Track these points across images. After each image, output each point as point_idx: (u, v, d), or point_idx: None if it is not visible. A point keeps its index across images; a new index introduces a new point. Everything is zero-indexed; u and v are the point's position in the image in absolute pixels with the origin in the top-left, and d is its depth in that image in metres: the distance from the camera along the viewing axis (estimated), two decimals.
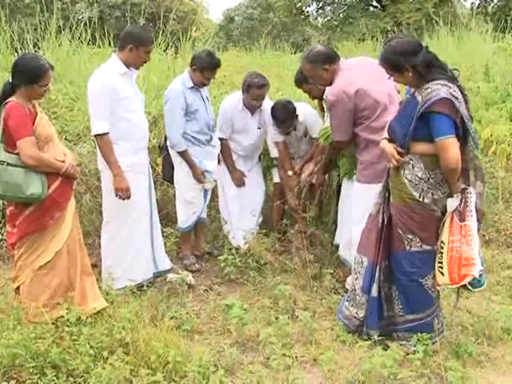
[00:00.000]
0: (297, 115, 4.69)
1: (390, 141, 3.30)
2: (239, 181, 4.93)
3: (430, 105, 3.01)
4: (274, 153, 4.94)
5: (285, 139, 4.83)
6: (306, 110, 4.83)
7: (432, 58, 3.13)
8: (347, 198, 4.21)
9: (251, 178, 5.01)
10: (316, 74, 3.88)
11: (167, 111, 4.49)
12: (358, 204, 3.90)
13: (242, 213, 4.93)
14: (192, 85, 4.47)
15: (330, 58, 3.84)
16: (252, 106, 4.72)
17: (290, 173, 4.73)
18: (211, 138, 4.69)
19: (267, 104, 4.78)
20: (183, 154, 4.49)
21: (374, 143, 3.59)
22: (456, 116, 3.03)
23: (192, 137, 4.51)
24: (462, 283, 3.07)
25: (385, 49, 3.25)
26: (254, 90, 4.60)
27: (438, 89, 3.02)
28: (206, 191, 4.75)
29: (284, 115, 4.64)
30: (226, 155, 4.88)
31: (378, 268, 3.36)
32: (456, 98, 3.02)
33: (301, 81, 4.54)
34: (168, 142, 4.62)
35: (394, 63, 3.17)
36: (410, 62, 3.10)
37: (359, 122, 3.78)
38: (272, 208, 5.09)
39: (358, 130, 3.83)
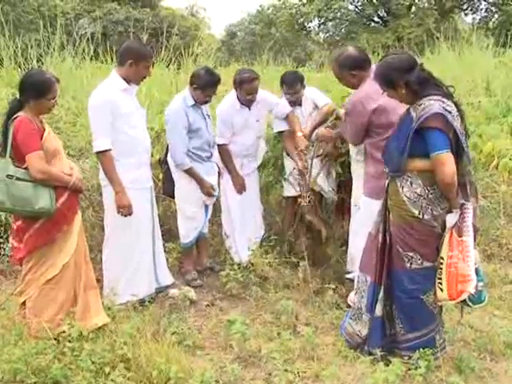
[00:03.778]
0: (304, 85, 4.86)
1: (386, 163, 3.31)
2: (241, 186, 4.89)
3: (423, 120, 3.03)
4: (279, 125, 4.96)
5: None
6: (310, 89, 4.98)
7: (426, 75, 3.15)
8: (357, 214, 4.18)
9: (249, 184, 4.98)
10: (343, 77, 3.90)
11: (170, 131, 4.52)
12: (359, 215, 3.92)
13: (245, 220, 4.93)
14: (193, 103, 4.50)
15: (359, 65, 3.83)
16: (248, 101, 4.73)
17: (300, 134, 4.70)
18: (211, 154, 4.70)
19: (261, 94, 4.83)
20: (189, 172, 4.51)
21: (378, 160, 3.60)
22: (449, 131, 3.05)
23: (192, 153, 4.52)
24: (459, 299, 3.07)
25: (379, 64, 3.27)
26: (247, 84, 4.62)
27: (431, 104, 3.04)
28: (207, 206, 4.75)
29: (293, 77, 4.83)
30: (227, 160, 4.84)
31: (381, 287, 3.34)
32: (449, 112, 3.03)
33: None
34: (169, 158, 4.64)
35: (388, 79, 3.19)
36: (403, 79, 3.11)
37: (370, 134, 3.78)
38: (283, 221, 5.09)
39: (366, 141, 3.86)
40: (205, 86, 4.43)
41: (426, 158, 3.09)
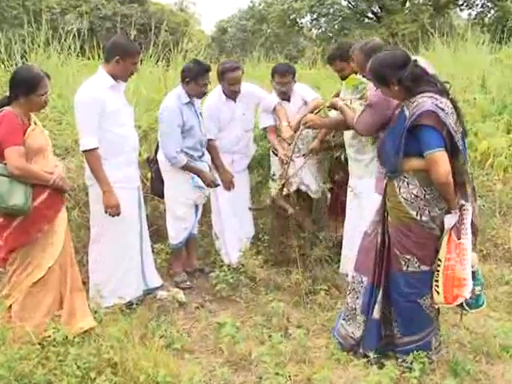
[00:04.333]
0: (295, 80, 4.90)
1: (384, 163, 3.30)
2: (229, 182, 4.89)
3: (416, 118, 3.02)
4: (265, 121, 4.96)
5: None
6: (300, 85, 5.01)
7: (420, 72, 3.13)
8: (353, 214, 4.23)
9: (240, 183, 5.00)
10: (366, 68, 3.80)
11: (164, 129, 4.50)
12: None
13: (235, 220, 4.94)
14: (188, 100, 4.49)
15: None
16: (232, 92, 4.74)
17: (285, 123, 4.70)
18: (203, 153, 4.71)
19: (247, 87, 4.86)
20: (186, 167, 4.51)
21: None
22: (442, 128, 3.03)
23: (185, 153, 4.52)
24: (455, 303, 3.07)
25: (371, 61, 3.25)
26: (229, 74, 4.65)
27: (424, 101, 3.03)
28: (197, 206, 4.75)
29: (286, 67, 4.90)
30: (214, 156, 4.84)
31: (380, 290, 3.34)
32: (442, 109, 3.01)
33: (334, 57, 4.54)
34: (159, 156, 4.63)
35: (380, 76, 3.18)
36: (396, 75, 3.10)
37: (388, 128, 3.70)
38: (273, 222, 5.10)
39: (382, 134, 3.73)
40: (196, 75, 4.42)
41: (421, 158, 3.08)
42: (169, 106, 4.47)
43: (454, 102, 3.13)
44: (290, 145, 4.48)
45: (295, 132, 4.55)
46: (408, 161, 3.14)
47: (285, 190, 4.46)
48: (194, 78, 4.42)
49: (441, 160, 3.00)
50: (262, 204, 5.07)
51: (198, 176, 4.57)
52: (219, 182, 4.75)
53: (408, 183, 3.16)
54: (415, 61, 3.16)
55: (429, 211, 3.13)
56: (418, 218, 3.14)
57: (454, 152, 3.10)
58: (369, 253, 3.40)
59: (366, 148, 4.10)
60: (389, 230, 3.29)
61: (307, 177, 4.87)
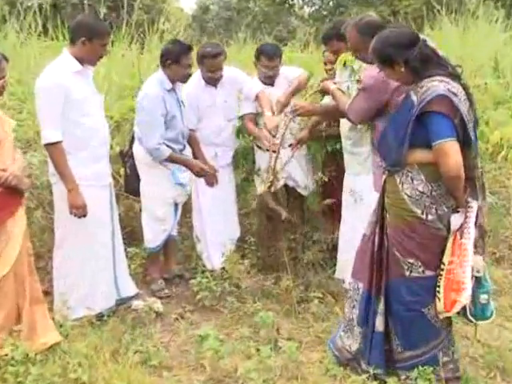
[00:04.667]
0: (282, 63, 4.95)
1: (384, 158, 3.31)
2: (211, 176, 4.88)
3: (425, 104, 2.99)
4: (244, 109, 4.96)
5: None
6: (286, 68, 5.06)
7: (430, 53, 3.11)
8: (350, 215, 4.25)
9: (224, 179, 5.02)
10: (362, 48, 3.72)
11: (145, 120, 4.51)
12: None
13: (218, 221, 4.97)
14: (171, 86, 4.51)
15: None
16: (212, 79, 4.78)
17: (269, 113, 4.69)
18: (184, 147, 4.73)
19: (230, 72, 4.88)
20: (171, 159, 4.53)
21: None
22: (455, 116, 3.01)
23: (166, 146, 4.52)
24: (453, 310, 3.05)
25: (375, 39, 3.21)
26: (209, 60, 4.68)
27: (434, 86, 3.00)
28: (176, 205, 4.77)
29: (274, 49, 4.92)
30: (194, 148, 4.86)
31: (381, 298, 3.32)
32: (455, 94, 3.00)
33: (330, 36, 4.52)
34: (135, 150, 4.65)
35: (384, 56, 3.15)
36: (402, 56, 3.07)
37: (385, 116, 3.72)
38: (259, 223, 5.16)
39: (378, 123, 3.80)
40: (178, 56, 4.43)
41: (429, 149, 3.05)
42: (150, 94, 4.46)
43: (465, 88, 3.11)
44: (274, 136, 4.44)
45: (283, 108, 4.57)
46: (413, 153, 3.12)
47: (272, 186, 4.47)
48: (176, 59, 4.43)
49: (451, 151, 2.97)
50: (249, 207, 5.09)
51: (186, 167, 4.59)
52: (189, 188, 4.80)
53: (412, 178, 3.14)
54: (425, 40, 3.13)
55: (436, 209, 3.11)
56: (424, 216, 3.12)
57: (466, 143, 3.08)
58: (365, 257, 3.40)
59: (364, 140, 4.08)
60: (387, 230, 3.28)
61: (295, 170, 4.89)
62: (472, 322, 3.16)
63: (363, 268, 3.40)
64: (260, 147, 4.92)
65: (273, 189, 4.50)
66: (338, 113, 4.03)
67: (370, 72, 3.67)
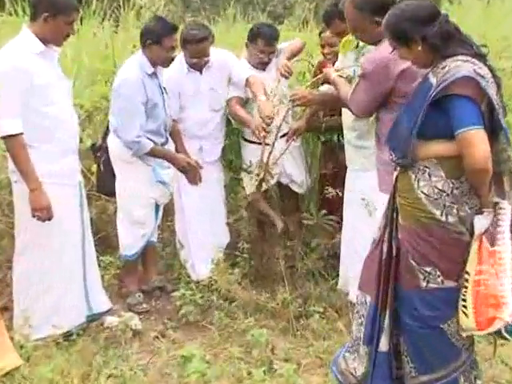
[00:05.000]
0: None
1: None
2: (195, 175, 4.86)
3: (447, 86, 2.92)
4: (233, 91, 4.93)
5: None
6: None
7: (452, 29, 3.06)
8: (352, 217, 4.26)
9: (211, 177, 5.00)
10: (361, 26, 3.73)
11: (124, 108, 4.50)
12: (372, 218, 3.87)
13: (205, 225, 4.98)
14: (152, 70, 4.51)
15: (386, 8, 3.60)
16: (195, 65, 4.77)
17: (263, 97, 4.64)
18: (167, 140, 4.73)
19: (218, 55, 4.87)
20: (153, 153, 4.54)
21: None
22: (482, 100, 2.95)
23: (146, 138, 4.53)
24: (490, 329, 2.96)
25: (389, 14, 3.16)
26: (193, 45, 4.67)
27: (458, 66, 2.94)
28: (157, 207, 4.78)
29: (273, 31, 4.90)
30: (176, 141, 4.86)
31: (387, 313, 3.27)
32: (482, 76, 2.94)
33: (332, 16, 4.47)
34: (109, 143, 4.65)
35: (399, 33, 3.09)
36: (420, 33, 3.01)
37: (390, 106, 3.69)
38: (250, 227, 5.15)
39: (383, 117, 3.78)
40: (160, 36, 4.42)
41: (450, 139, 2.99)
42: (129, 79, 4.46)
43: (492, 70, 3.05)
44: (268, 125, 4.41)
45: (280, 102, 4.52)
46: (431, 145, 3.06)
47: (263, 185, 4.47)
48: (158, 39, 4.42)
49: (478, 140, 2.89)
50: (240, 208, 5.11)
51: (170, 162, 4.62)
52: (171, 188, 4.82)
53: (430, 174, 3.06)
54: (446, 15, 3.08)
55: (457, 210, 3.03)
56: (443, 218, 3.05)
57: (493, 132, 3.01)
58: (373, 265, 3.35)
59: (372, 132, 4.04)
60: (399, 235, 3.23)
61: (290, 165, 4.91)
62: (507, 339, 3.06)
63: (371, 278, 3.35)
64: (247, 140, 4.95)
65: (264, 186, 4.51)
66: (340, 103, 4.02)
67: (371, 56, 3.67)
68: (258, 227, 5.09)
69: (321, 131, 4.85)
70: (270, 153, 4.35)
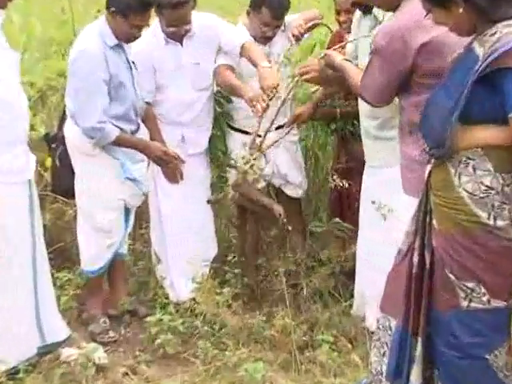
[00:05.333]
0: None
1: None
2: (175, 171, 4.82)
3: (497, 58, 2.86)
4: (223, 59, 4.88)
5: None
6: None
7: None
8: (370, 224, 4.27)
9: (194, 174, 4.94)
10: None
11: (79, 87, 4.45)
12: (390, 223, 3.92)
13: (186, 233, 4.95)
14: (116, 42, 4.47)
15: None
16: (173, 35, 4.74)
17: (266, 63, 4.58)
18: (138, 127, 4.68)
19: (204, 20, 4.84)
20: (118, 142, 4.47)
21: None
22: None
23: (111, 124, 4.48)
24: None
25: None
26: (168, 10, 4.60)
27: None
28: (127, 211, 4.74)
29: (284, 3, 4.81)
30: (151, 128, 4.81)
31: (419, 339, 3.23)
32: None
33: None
34: (67, 132, 4.58)
35: None
36: None
37: (413, 88, 3.66)
38: (240, 234, 5.23)
39: (405, 102, 3.75)
40: (127, 8, 4.35)
41: (500, 124, 2.95)
42: (88, 50, 4.38)
43: None
44: (270, 99, 4.31)
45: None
46: (476, 131, 3.00)
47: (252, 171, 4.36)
48: (124, 11, 4.36)
49: None
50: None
51: (141, 152, 4.57)
52: (147, 188, 4.79)
53: (475, 168, 3.01)
54: None
55: (509, 211, 3.00)
56: (491, 222, 2.99)
57: None
58: (399, 281, 3.29)
59: (398, 120, 4.02)
60: (433, 242, 3.20)
61: (284, 163, 4.94)
62: None
63: (397, 298, 3.31)
64: (233, 128, 4.97)
65: (252, 173, 4.38)
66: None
67: (384, 27, 3.67)
68: (250, 233, 5.09)
69: (332, 118, 4.85)
70: (267, 131, 4.33)
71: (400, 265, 3.34)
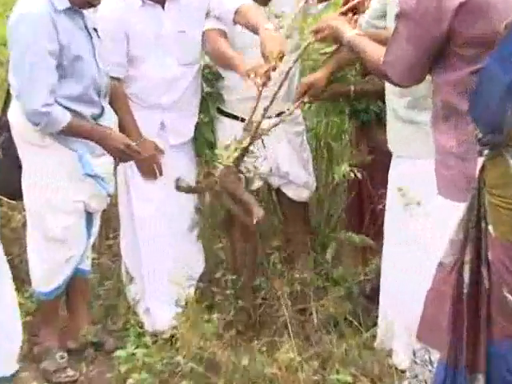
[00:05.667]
0: None
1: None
2: (150, 165, 4.78)
3: None
4: (212, 23, 4.83)
5: None
6: None
7: None
8: (399, 233, 4.24)
9: (174, 167, 4.86)
10: None
11: (22, 59, 4.35)
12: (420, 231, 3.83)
13: (166, 245, 4.91)
14: (68, 5, 4.34)
15: None
16: None
17: (270, 25, 4.47)
18: (102, 110, 4.56)
19: None
20: (71, 130, 4.34)
21: (469, 119, 3.37)
22: None
23: (65, 108, 4.35)
24: None
25: None
26: None
27: None
28: (90, 217, 4.66)
29: None
30: (121, 111, 4.72)
31: (479, 378, 3.13)
32: None
33: None
34: (12, 117, 4.52)
35: None
36: None
37: (449, 64, 3.50)
38: (231, 245, 5.21)
39: (439, 80, 3.60)
40: None
41: None
42: (30, 14, 4.28)
43: None
44: (274, 69, 4.15)
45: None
46: None
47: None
48: None
49: None
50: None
51: (98, 143, 4.43)
52: (112, 189, 4.69)
53: None
54: None
55: None
56: None
57: None
58: (442, 302, 3.21)
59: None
60: (490, 254, 3.09)
61: (286, 158, 4.89)
62: None
63: (440, 323, 3.23)
64: (224, 112, 4.90)
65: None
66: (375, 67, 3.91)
67: None
68: (232, 237, 5.10)
69: (346, 98, 4.81)
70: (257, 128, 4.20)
71: (443, 282, 3.25)
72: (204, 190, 4.69)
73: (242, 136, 4.24)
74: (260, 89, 4.18)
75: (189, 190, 4.79)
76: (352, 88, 4.73)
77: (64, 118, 4.27)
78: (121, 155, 4.53)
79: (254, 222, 4.19)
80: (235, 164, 4.16)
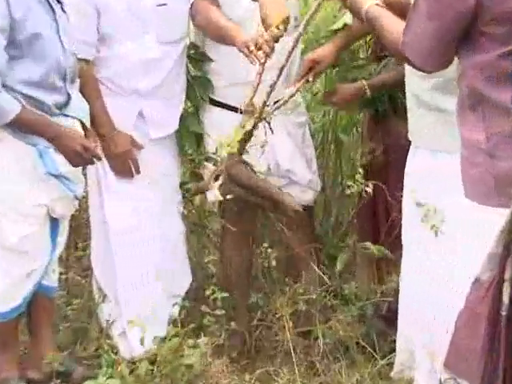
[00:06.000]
0: None
1: None
2: (125, 162, 4.80)
3: None
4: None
5: None
6: None
7: None
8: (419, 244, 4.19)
9: (156, 165, 4.93)
10: None
11: None
12: (445, 241, 3.86)
13: (145, 257, 4.94)
14: None
15: None
16: None
17: None
18: (69, 98, 4.52)
19: None
20: (21, 123, 4.30)
21: (499, 109, 3.34)
22: None
23: (22, 95, 4.33)
24: None
25: None
26: None
27: None
28: (55, 223, 4.63)
29: None
30: (90, 99, 4.69)
31: None
32: None
33: None
34: None
35: None
36: None
37: (477, 44, 3.47)
38: (222, 256, 5.28)
39: (465, 63, 3.58)
40: None
41: None
42: None
43: None
44: (276, 40, 4.18)
45: None
46: None
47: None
48: None
49: None
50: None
51: (50, 142, 4.39)
52: (81, 189, 4.70)
53: None
54: None
55: None
56: None
57: None
58: (477, 325, 3.18)
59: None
60: None
61: (287, 154, 4.93)
62: None
63: (473, 350, 3.18)
64: (214, 101, 4.91)
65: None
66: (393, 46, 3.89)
67: None
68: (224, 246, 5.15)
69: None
70: (273, 86, 4.22)
71: (479, 302, 3.22)
72: (201, 189, 4.70)
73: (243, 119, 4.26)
74: (262, 61, 4.17)
75: (196, 191, 4.91)
76: (365, 84, 4.74)
77: (12, 108, 4.24)
78: (76, 158, 4.46)
79: (292, 212, 4.21)
80: (239, 152, 4.13)
